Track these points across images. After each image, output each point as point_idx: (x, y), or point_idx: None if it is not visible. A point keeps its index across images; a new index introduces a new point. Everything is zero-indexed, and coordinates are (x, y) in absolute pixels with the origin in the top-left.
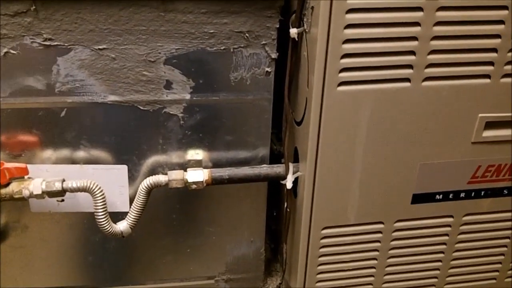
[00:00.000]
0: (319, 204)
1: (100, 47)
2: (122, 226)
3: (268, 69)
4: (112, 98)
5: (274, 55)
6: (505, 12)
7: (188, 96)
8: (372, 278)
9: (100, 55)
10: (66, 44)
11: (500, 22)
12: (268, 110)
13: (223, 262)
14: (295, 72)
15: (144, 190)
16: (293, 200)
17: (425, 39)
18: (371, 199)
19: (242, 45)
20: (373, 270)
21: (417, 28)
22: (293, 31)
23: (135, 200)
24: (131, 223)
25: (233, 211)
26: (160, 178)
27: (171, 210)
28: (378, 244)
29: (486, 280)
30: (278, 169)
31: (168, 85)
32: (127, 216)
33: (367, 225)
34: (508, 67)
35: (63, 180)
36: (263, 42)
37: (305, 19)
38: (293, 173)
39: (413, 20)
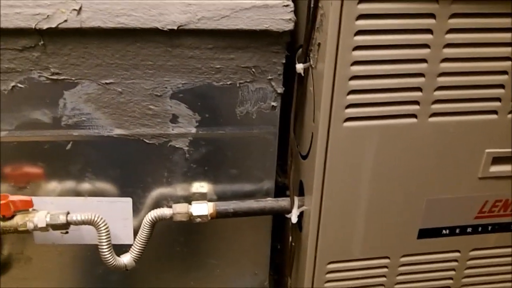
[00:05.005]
0: (325, 239)
1: (107, 81)
2: (126, 259)
3: (274, 104)
4: (118, 131)
5: (280, 90)
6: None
7: (194, 130)
8: None
9: (107, 89)
10: (73, 78)
11: (507, 58)
12: (273, 144)
13: None
14: (301, 106)
15: (148, 223)
16: (298, 234)
17: (431, 76)
18: (377, 234)
19: (248, 80)
20: None
21: (424, 65)
22: (299, 67)
23: (139, 233)
24: (135, 256)
25: (237, 243)
26: (165, 211)
27: (175, 243)
28: (384, 279)
29: None
30: (283, 202)
31: (174, 119)
32: (131, 249)
33: (373, 260)
34: None
35: (68, 213)
36: (269, 77)
37: (311, 55)
38: (298, 207)
39: (420, 57)
